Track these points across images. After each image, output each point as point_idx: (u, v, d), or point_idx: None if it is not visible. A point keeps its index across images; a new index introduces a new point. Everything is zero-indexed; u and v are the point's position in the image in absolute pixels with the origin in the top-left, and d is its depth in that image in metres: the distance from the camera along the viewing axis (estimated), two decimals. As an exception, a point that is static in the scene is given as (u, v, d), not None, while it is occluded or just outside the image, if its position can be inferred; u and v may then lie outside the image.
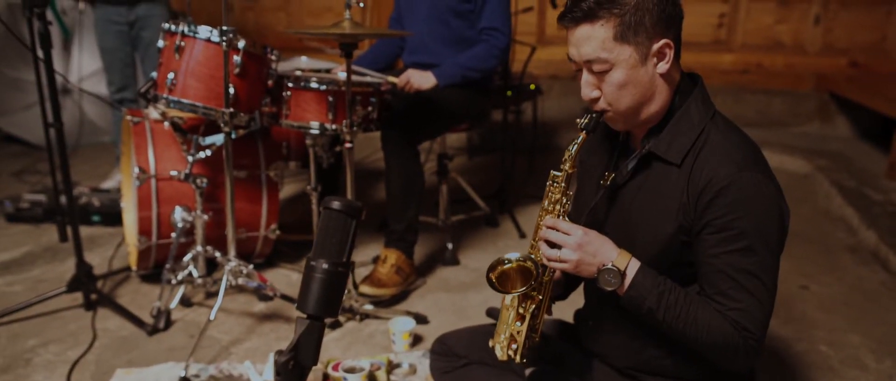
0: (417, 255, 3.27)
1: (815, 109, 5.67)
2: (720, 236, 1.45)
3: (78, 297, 2.88)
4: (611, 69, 1.48)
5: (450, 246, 3.44)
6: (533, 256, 1.61)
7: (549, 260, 1.55)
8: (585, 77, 1.53)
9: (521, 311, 1.64)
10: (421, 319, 2.83)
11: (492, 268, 1.62)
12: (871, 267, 3.38)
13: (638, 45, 1.46)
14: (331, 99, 2.79)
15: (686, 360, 1.60)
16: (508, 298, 1.64)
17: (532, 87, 4.69)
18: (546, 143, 5.39)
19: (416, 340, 2.71)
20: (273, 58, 2.87)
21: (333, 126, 2.81)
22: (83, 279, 2.82)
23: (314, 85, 2.81)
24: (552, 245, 1.55)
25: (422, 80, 3.11)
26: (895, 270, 3.25)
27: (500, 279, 1.62)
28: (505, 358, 1.67)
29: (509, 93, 4.23)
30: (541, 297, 1.64)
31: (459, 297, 3.08)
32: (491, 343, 1.72)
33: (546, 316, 1.70)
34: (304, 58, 3.94)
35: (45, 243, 3.58)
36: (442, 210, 3.61)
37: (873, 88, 5.05)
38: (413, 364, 2.50)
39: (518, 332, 1.65)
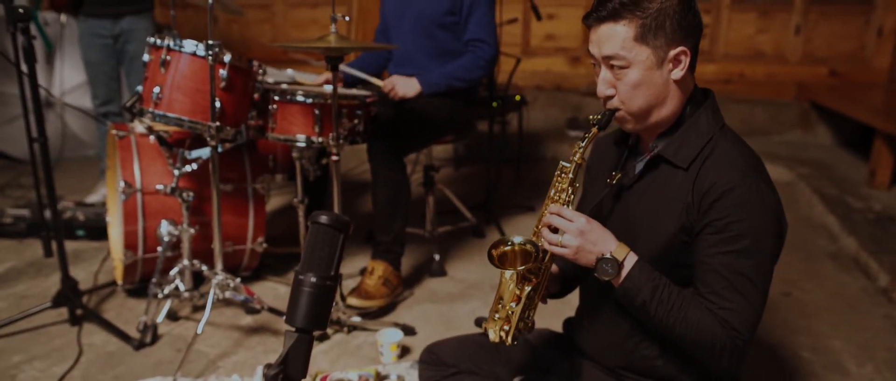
0: (404, 266, 3.28)
1: (796, 118, 5.74)
2: (719, 237, 1.49)
3: (63, 312, 2.87)
4: (628, 68, 1.53)
5: (437, 257, 3.45)
6: (534, 240, 1.63)
7: (550, 244, 1.58)
8: (603, 75, 1.59)
9: (517, 292, 1.67)
10: (409, 330, 2.84)
11: (495, 246, 1.65)
12: (852, 274, 3.42)
13: (656, 48, 1.52)
14: (317, 112, 2.80)
15: (676, 362, 1.63)
16: (508, 273, 1.66)
17: (517, 98, 4.73)
18: (531, 153, 5.41)
19: (404, 351, 2.72)
20: (260, 72, 2.88)
21: (320, 139, 2.82)
22: (68, 294, 2.81)
23: (300, 98, 2.82)
24: (555, 231, 1.58)
25: (406, 87, 3.13)
26: (875, 276, 3.29)
27: (501, 258, 1.65)
28: (496, 340, 1.69)
29: (495, 104, 4.26)
30: (538, 281, 1.66)
31: (447, 308, 3.09)
32: (484, 326, 1.74)
33: (541, 303, 1.72)
34: (289, 70, 3.95)
35: (30, 258, 3.56)
36: (429, 221, 3.63)
37: (853, 96, 5.12)
38: (401, 376, 2.50)
39: (512, 312, 1.67)
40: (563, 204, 1.63)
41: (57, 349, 2.70)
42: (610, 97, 1.59)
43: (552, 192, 1.65)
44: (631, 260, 1.54)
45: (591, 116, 1.61)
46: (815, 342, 2.78)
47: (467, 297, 3.18)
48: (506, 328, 1.68)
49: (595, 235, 1.56)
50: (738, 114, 5.68)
